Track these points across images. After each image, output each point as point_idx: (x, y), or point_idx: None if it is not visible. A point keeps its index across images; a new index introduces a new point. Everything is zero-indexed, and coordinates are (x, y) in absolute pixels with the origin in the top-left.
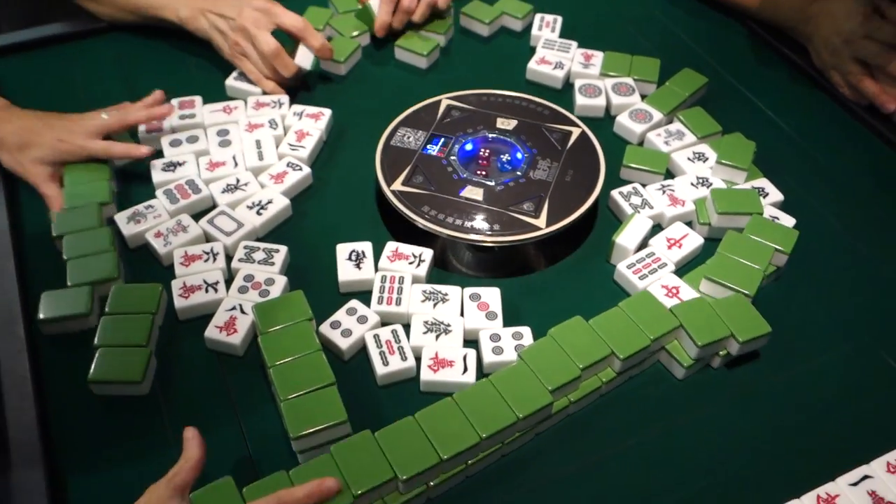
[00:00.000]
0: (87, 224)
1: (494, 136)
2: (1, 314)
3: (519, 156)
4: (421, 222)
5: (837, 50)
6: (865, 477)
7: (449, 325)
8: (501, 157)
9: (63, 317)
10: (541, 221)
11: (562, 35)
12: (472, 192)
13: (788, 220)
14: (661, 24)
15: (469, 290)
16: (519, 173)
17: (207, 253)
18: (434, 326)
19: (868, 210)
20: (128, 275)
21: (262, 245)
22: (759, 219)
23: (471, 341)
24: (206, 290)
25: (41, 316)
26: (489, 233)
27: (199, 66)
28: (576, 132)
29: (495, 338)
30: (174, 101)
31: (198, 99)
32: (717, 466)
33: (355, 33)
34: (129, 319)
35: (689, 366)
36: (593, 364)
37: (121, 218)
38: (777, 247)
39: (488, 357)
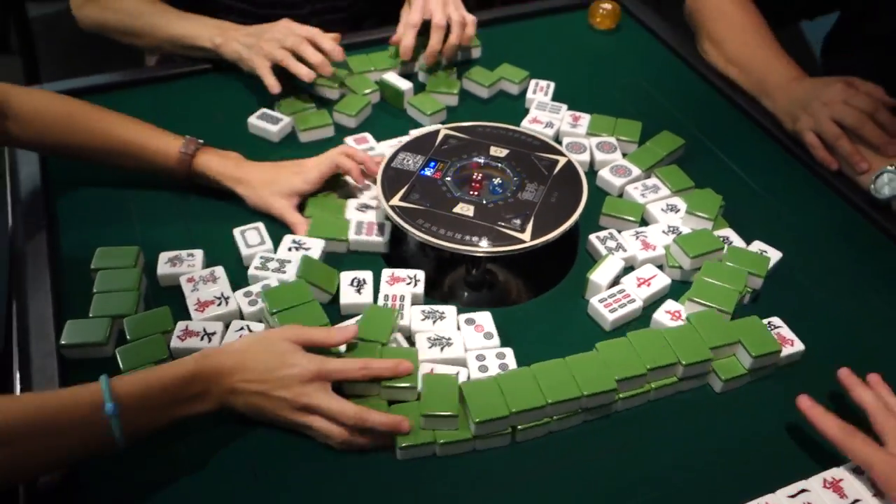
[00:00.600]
0: (122, 263)
1: (487, 161)
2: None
3: (508, 179)
4: (417, 234)
5: (816, 112)
6: (802, 490)
7: (450, 339)
8: (493, 180)
9: (83, 344)
10: (526, 236)
11: (554, 99)
12: (464, 209)
13: (775, 254)
14: (645, 90)
15: (463, 316)
16: (508, 194)
17: (219, 298)
18: (437, 341)
19: (825, 259)
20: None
21: (276, 256)
22: (734, 248)
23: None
24: (202, 339)
25: (63, 341)
26: (479, 244)
27: (226, 114)
28: (562, 161)
29: (480, 357)
30: None
31: None
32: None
33: (367, 91)
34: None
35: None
36: (659, 368)
37: (162, 258)
38: (751, 271)
39: (475, 374)
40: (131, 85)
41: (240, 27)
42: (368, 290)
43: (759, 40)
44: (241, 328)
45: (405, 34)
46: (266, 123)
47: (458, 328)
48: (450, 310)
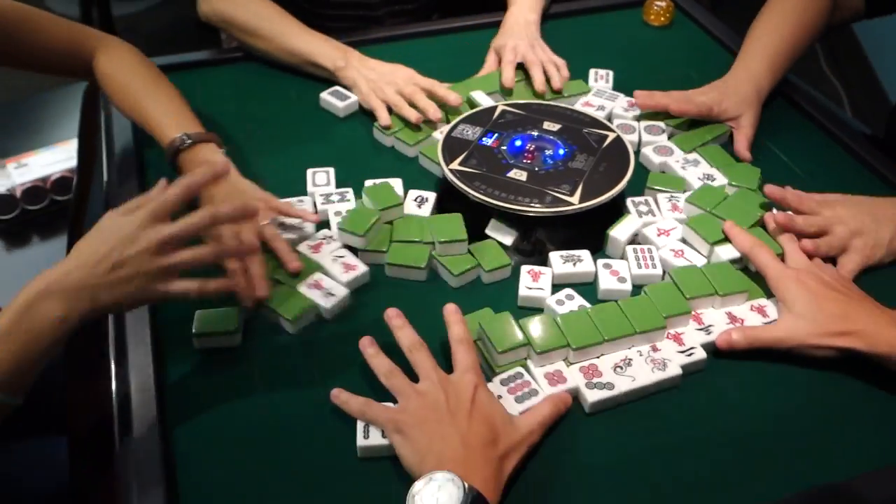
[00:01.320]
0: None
1: (540, 134)
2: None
3: (560, 151)
4: (474, 195)
5: None
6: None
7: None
8: (546, 151)
9: (214, 332)
10: (575, 199)
11: (614, 88)
12: (518, 175)
13: None
14: (696, 83)
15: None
16: (559, 163)
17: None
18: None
19: None
20: None
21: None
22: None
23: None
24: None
25: (194, 330)
26: (531, 205)
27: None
28: (611, 136)
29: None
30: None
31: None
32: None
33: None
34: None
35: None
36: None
37: None
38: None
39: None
40: (213, 63)
41: (361, 56)
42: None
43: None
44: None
45: (505, 70)
46: (335, 99)
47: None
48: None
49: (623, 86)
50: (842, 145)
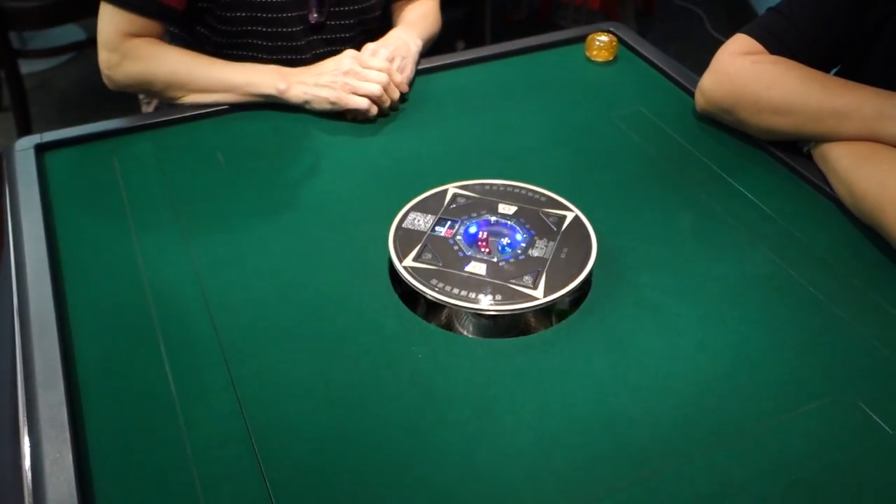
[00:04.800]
0: None
1: (496, 219)
2: None
3: (518, 237)
4: (430, 294)
5: None
6: None
7: None
8: (502, 239)
9: None
10: (539, 292)
11: (556, 131)
12: (476, 268)
13: None
14: (648, 119)
15: None
16: (519, 251)
17: None
18: None
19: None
20: None
21: None
22: None
23: None
24: None
25: None
26: (492, 303)
27: (227, 161)
28: (570, 216)
29: None
30: None
31: None
32: None
33: None
34: None
35: None
36: None
37: None
38: None
39: None
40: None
41: (296, 70)
42: None
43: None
44: None
45: None
46: None
47: None
48: None
49: (571, 126)
50: (810, 184)
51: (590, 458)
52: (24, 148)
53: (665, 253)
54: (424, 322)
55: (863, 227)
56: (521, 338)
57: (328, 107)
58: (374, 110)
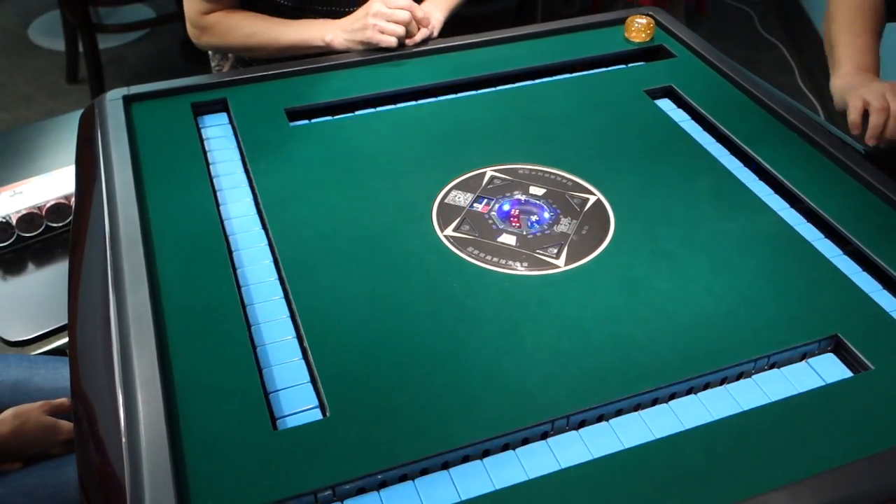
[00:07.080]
0: None
1: (527, 199)
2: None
3: (546, 214)
4: (467, 259)
5: (874, 89)
6: None
7: None
8: (531, 216)
9: None
10: (560, 261)
11: (595, 104)
12: (507, 239)
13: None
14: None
15: None
16: (545, 227)
17: None
18: None
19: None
20: None
21: None
22: None
23: None
24: None
25: None
26: (520, 269)
27: (292, 116)
28: (592, 199)
29: None
30: None
31: None
32: None
33: None
34: None
35: None
36: None
37: None
38: None
39: None
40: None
41: (335, 21)
42: None
43: (861, 29)
44: None
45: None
46: None
47: None
48: None
49: (608, 101)
50: (825, 154)
51: (598, 373)
52: (114, 98)
53: (682, 211)
54: (461, 257)
55: (867, 194)
56: (545, 273)
57: (364, 47)
58: (395, 43)
